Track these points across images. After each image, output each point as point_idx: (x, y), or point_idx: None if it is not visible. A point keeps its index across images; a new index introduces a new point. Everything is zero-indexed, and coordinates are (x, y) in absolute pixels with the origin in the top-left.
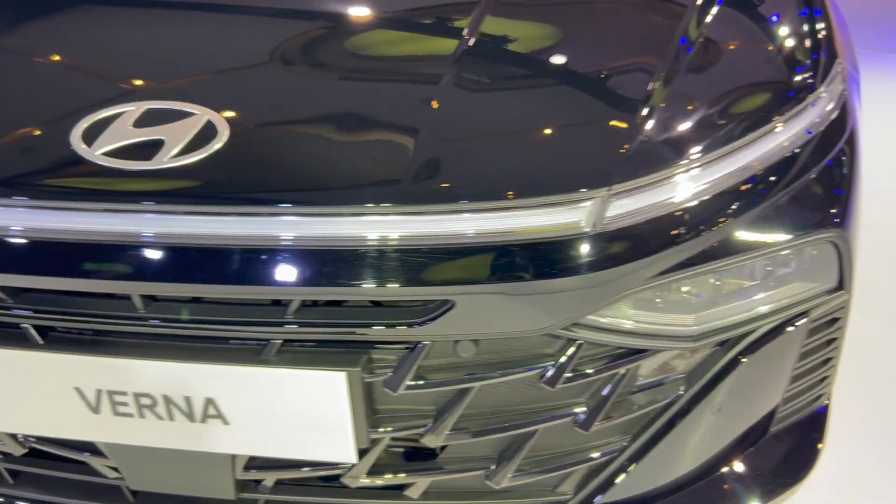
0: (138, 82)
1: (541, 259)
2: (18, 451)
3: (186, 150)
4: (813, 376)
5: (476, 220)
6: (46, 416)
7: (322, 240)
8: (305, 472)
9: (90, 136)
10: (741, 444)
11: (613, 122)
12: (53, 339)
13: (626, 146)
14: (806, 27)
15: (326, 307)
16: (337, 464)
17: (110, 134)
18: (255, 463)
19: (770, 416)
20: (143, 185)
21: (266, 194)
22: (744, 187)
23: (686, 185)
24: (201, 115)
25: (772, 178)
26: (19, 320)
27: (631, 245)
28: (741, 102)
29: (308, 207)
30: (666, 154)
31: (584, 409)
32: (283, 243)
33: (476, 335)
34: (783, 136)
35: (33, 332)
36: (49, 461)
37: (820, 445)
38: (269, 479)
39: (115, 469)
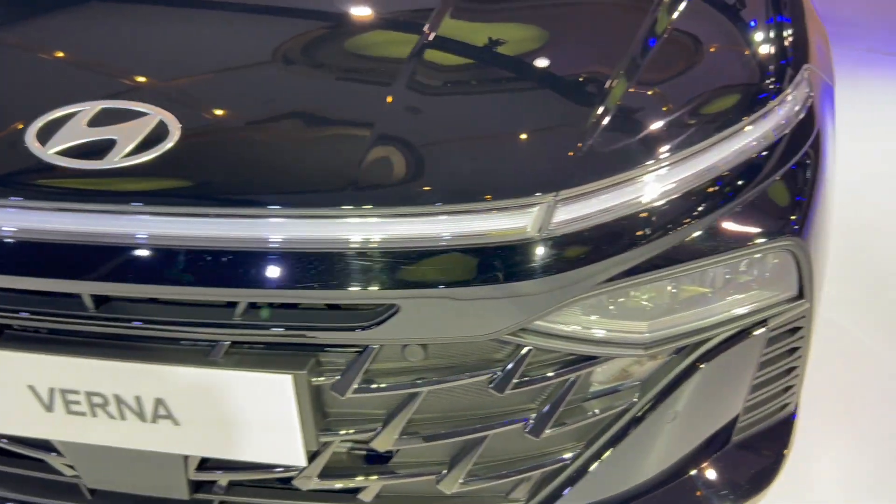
0: (95, 81)
1: (485, 264)
2: None
3: (138, 150)
4: (776, 385)
5: (421, 223)
6: (1, 413)
7: (266, 242)
8: (257, 474)
9: (45, 135)
10: (702, 453)
11: (566, 125)
12: (7, 338)
13: (579, 147)
14: (773, 31)
15: (275, 309)
16: (289, 466)
17: (65, 133)
18: (208, 464)
19: (731, 425)
20: (93, 184)
21: (214, 195)
22: (697, 193)
23: (637, 191)
24: (154, 114)
25: (727, 186)
26: None
27: (578, 251)
28: (702, 105)
29: (253, 209)
30: (619, 157)
31: (535, 415)
32: (228, 245)
33: (423, 339)
34: (742, 140)
35: None
36: (8, 458)
37: (786, 451)
38: (223, 479)
39: (72, 467)
